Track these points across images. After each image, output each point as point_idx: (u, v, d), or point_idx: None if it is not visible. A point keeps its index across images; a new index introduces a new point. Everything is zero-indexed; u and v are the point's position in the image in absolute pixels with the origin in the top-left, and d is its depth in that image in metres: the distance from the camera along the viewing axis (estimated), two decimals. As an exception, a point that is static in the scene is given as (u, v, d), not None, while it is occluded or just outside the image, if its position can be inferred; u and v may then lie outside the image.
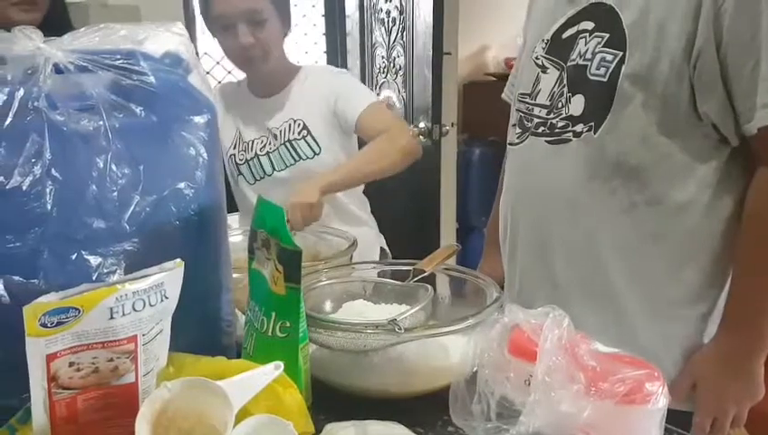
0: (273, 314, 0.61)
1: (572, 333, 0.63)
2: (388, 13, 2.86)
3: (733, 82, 0.81)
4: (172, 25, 0.68)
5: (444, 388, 0.65)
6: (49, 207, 0.55)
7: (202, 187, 0.64)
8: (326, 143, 1.33)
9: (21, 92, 0.55)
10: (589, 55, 0.89)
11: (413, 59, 2.72)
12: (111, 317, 0.51)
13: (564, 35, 0.95)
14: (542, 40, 0.98)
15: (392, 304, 0.81)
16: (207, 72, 2.87)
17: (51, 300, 0.49)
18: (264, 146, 1.36)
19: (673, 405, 0.59)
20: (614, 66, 0.86)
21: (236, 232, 1.14)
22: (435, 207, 2.76)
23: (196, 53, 0.72)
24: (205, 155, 0.65)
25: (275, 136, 1.35)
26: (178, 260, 0.56)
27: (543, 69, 0.97)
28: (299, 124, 1.34)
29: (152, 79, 0.63)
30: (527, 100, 1.00)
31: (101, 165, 0.58)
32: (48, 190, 0.55)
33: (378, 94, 3.03)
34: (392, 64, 2.89)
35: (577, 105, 0.91)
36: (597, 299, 0.93)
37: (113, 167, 0.58)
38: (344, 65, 3.25)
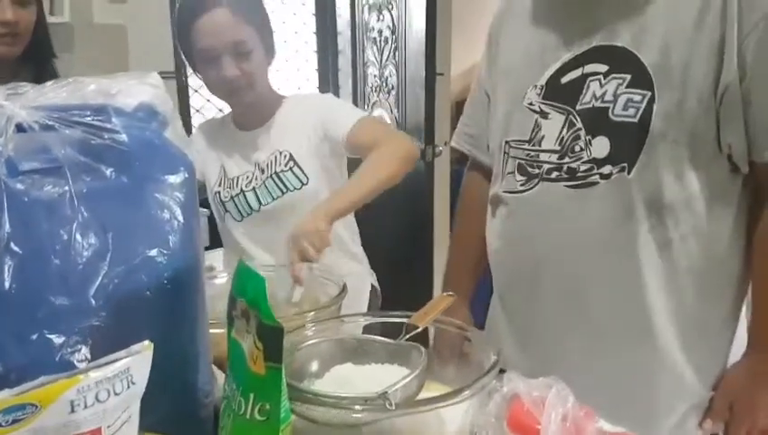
0: (252, 395, 0.56)
1: (577, 410, 0.59)
2: (380, 32, 2.83)
3: (754, 112, 0.83)
4: (147, 76, 0.64)
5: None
6: (7, 284, 0.51)
7: (176, 252, 0.60)
8: (314, 172, 1.29)
9: (-24, 161, 0.51)
10: (609, 97, 0.89)
11: (405, 78, 2.69)
12: (72, 411, 0.47)
13: (564, 80, 0.95)
14: (536, 86, 0.96)
15: (384, 364, 0.76)
16: (197, 111, 2.83)
17: (4, 397, 0.45)
18: (251, 181, 1.32)
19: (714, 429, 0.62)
20: (644, 106, 0.86)
21: (221, 274, 1.10)
22: (428, 230, 2.73)
23: (181, 100, 0.67)
24: (180, 217, 0.60)
25: (262, 170, 1.31)
26: (147, 342, 0.51)
27: (543, 115, 0.97)
28: (285, 155, 1.30)
29: (124, 137, 0.59)
30: (525, 146, 0.98)
31: (66, 236, 0.53)
32: (6, 267, 0.51)
33: (370, 114, 2.99)
34: (384, 84, 2.86)
35: (600, 147, 0.91)
36: (635, 334, 0.94)
37: (78, 237, 0.54)
38: (336, 84, 3.22)
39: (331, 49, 3.20)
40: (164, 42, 2.48)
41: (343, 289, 0.97)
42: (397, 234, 2.79)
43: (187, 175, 0.62)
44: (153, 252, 0.58)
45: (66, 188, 0.54)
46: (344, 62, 3.15)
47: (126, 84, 0.62)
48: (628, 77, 0.87)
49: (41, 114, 0.56)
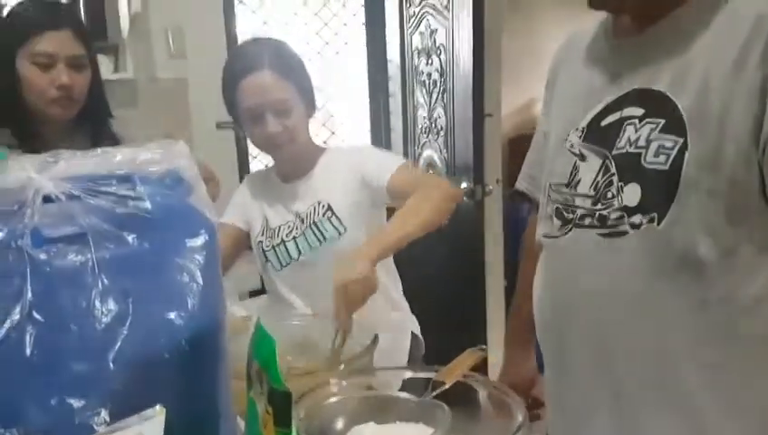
0: (264, 459, 0.57)
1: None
2: (429, 75, 2.87)
3: None
4: (173, 144, 0.67)
5: None
6: (29, 351, 0.53)
7: (195, 314, 0.61)
8: (351, 222, 1.31)
9: (3, 233, 0.54)
10: (642, 142, 0.84)
11: (454, 120, 2.70)
12: (84, 477, 0.48)
13: (604, 123, 0.90)
14: (577, 129, 0.93)
15: (408, 422, 0.75)
16: (254, 157, 2.93)
17: (17, 464, 0.47)
18: (291, 231, 1.35)
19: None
20: (676, 153, 0.80)
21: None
22: (479, 274, 2.69)
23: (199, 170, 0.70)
24: (199, 280, 0.62)
25: (302, 220, 1.34)
26: (159, 407, 0.52)
27: (582, 157, 0.92)
28: (323, 206, 1.32)
29: (147, 204, 0.61)
30: (564, 190, 0.94)
31: (85, 303, 0.55)
32: (28, 335, 0.53)
33: (419, 154, 3.01)
34: (434, 125, 2.88)
35: (632, 195, 0.85)
36: (670, 405, 0.85)
37: (98, 304, 0.56)
38: (387, 126, 3.27)
39: (383, 93, 3.26)
40: (222, 93, 2.60)
41: (375, 339, 0.97)
42: (446, 277, 2.76)
43: (207, 238, 0.64)
44: (171, 315, 0.60)
45: (89, 256, 0.57)
46: (395, 105, 3.20)
47: (152, 153, 0.65)
48: (662, 122, 0.82)
49: (68, 185, 0.59)
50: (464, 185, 2.65)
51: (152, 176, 0.64)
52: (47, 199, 0.58)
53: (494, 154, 2.74)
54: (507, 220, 2.93)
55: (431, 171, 2.91)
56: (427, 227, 1.21)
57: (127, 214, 0.60)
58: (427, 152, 2.94)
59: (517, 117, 3.50)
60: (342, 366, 0.89)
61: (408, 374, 0.86)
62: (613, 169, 0.87)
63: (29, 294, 0.54)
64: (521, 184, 1.13)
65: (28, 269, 0.54)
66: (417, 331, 1.43)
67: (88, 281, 0.56)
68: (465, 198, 2.65)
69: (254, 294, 2.51)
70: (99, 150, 0.63)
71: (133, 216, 0.60)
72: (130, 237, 0.60)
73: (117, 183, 0.61)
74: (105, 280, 0.57)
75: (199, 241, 0.64)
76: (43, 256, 0.55)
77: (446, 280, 2.75)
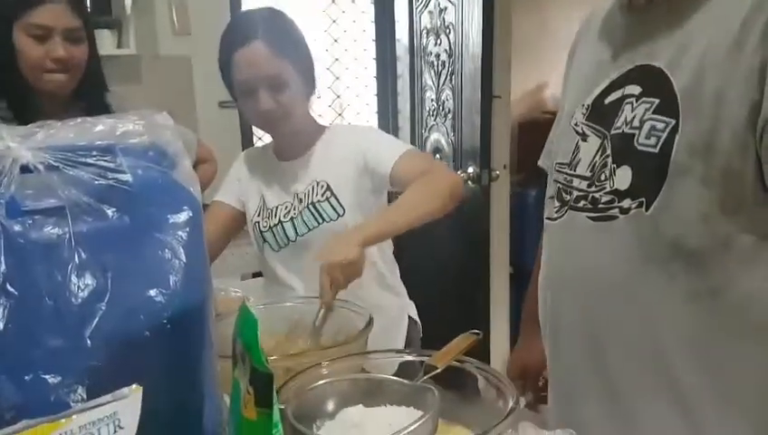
0: (244, 441, 0.55)
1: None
2: (438, 56, 2.82)
3: None
4: (155, 115, 0.64)
5: None
6: (1, 325, 0.51)
7: (177, 292, 0.59)
8: (350, 204, 1.28)
9: (-23, 202, 0.52)
10: (636, 123, 0.80)
11: (461, 102, 2.66)
12: (54, 455, 0.47)
13: (607, 100, 0.87)
14: (582, 105, 0.90)
15: (400, 406, 0.73)
16: (259, 138, 2.89)
17: (-16, 441, 0.45)
18: (289, 211, 1.32)
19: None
20: (666, 135, 0.77)
21: (258, 305, 1.11)
22: (484, 258, 2.66)
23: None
24: (182, 257, 0.60)
25: (300, 200, 1.32)
26: (135, 386, 0.51)
27: (583, 137, 0.89)
28: (322, 186, 1.29)
29: (128, 177, 0.59)
30: (565, 170, 0.91)
31: (61, 278, 0.53)
32: (1, 308, 0.51)
33: (426, 138, 2.98)
34: (441, 108, 2.84)
35: (623, 178, 0.82)
36: (660, 396, 0.83)
37: (74, 278, 0.54)
38: (395, 109, 3.23)
39: (391, 74, 3.22)
40: (227, 71, 2.58)
41: (369, 322, 0.95)
42: (450, 263, 2.74)
43: (191, 214, 0.62)
44: (152, 292, 0.58)
45: (66, 229, 0.55)
46: (403, 86, 3.16)
47: (134, 124, 0.63)
48: (657, 102, 0.78)
49: (47, 155, 0.57)
50: (470, 169, 2.62)
51: (135, 148, 0.62)
52: (25, 170, 0.56)
53: (502, 138, 2.70)
54: (514, 207, 2.89)
55: (437, 156, 2.87)
56: (424, 218, 1.18)
57: (107, 186, 0.58)
58: (434, 136, 2.91)
59: (528, 100, 3.45)
60: (331, 348, 0.87)
61: (401, 358, 0.85)
62: (609, 150, 0.84)
63: (2, 267, 0.52)
64: (542, 160, 1.10)
65: (2, 241, 0.52)
66: (415, 315, 1.42)
67: (64, 255, 0.54)
68: (470, 183, 2.62)
69: (258, 275, 2.51)
70: (79, 120, 0.61)
71: (113, 189, 0.58)
72: (110, 211, 0.58)
73: (97, 154, 0.59)
74: (83, 254, 0.55)
75: (182, 217, 0.61)
76: (17, 228, 0.53)
77: (451, 266, 2.74)
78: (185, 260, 0.61)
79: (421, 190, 1.19)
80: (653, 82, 0.80)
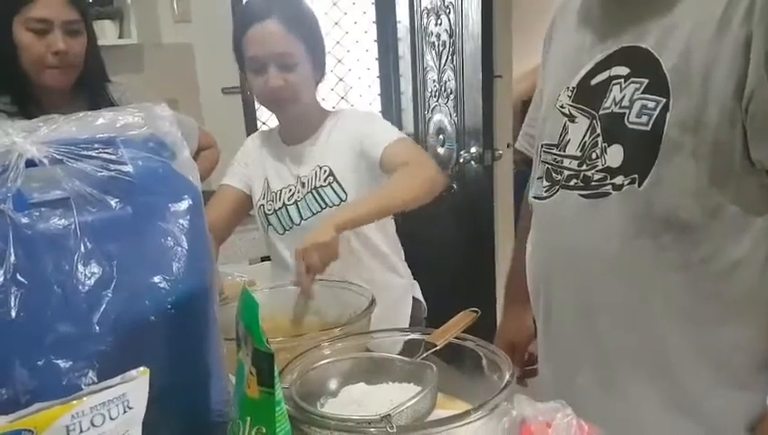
0: (249, 418, 0.58)
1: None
2: (439, 36, 2.82)
3: None
4: (155, 107, 0.66)
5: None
6: (14, 313, 0.54)
7: (180, 278, 0.61)
8: (353, 189, 1.30)
9: (-15, 197, 0.54)
10: (626, 103, 0.83)
11: (463, 83, 2.66)
12: (68, 435, 0.49)
13: (593, 82, 0.89)
14: (568, 88, 0.92)
15: (401, 383, 0.76)
16: (263, 123, 2.91)
17: (1, 423, 0.48)
18: (293, 195, 1.34)
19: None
20: (657, 113, 0.79)
21: (263, 289, 1.13)
22: (490, 237, 2.68)
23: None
24: (184, 244, 0.62)
25: (303, 184, 1.33)
26: (142, 368, 0.53)
27: (571, 118, 0.92)
28: (325, 171, 1.31)
29: (130, 168, 0.61)
30: (554, 151, 0.94)
31: (68, 267, 0.56)
32: (13, 297, 0.54)
33: (429, 118, 2.98)
34: (443, 88, 2.84)
35: (615, 156, 0.85)
36: (651, 367, 0.87)
37: (81, 267, 0.56)
38: (398, 90, 3.23)
39: (393, 55, 3.21)
40: (229, 58, 2.58)
41: (372, 303, 0.98)
42: (455, 242, 2.75)
43: (191, 202, 0.64)
44: (156, 279, 0.60)
45: (72, 219, 0.57)
46: (405, 67, 3.15)
47: (134, 116, 0.65)
48: (646, 81, 0.81)
49: (51, 149, 0.59)
50: (473, 150, 2.62)
51: (135, 139, 0.64)
52: (30, 164, 0.59)
53: (504, 117, 2.69)
54: (517, 185, 2.90)
55: (440, 137, 2.88)
56: (403, 206, 1.21)
57: (109, 178, 0.60)
58: (437, 116, 2.91)
59: (530, 79, 3.43)
60: (334, 328, 0.89)
61: (405, 337, 0.87)
62: (599, 130, 0.87)
63: (12, 258, 0.54)
64: (519, 143, 1.13)
65: (11, 233, 0.54)
66: (419, 295, 1.44)
67: (71, 245, 0.56)
68: (473, 163, 2.63)
69: (266, 259, 2.53)
70: (80, 114, 0.63)
71: (115, 179, 0.61)
72: (113, 201, 0.60)
73: (100, 147, 0.61)
74: (88, 244, 0.57)
75: (183, 205, 0.64)
76: (25, 220, 0.55)
77: (456, 245, 2.75)
78: (187, 247, 0.63)
79: (400, 181, 1.22)
80: (641, 62, 0.82)
